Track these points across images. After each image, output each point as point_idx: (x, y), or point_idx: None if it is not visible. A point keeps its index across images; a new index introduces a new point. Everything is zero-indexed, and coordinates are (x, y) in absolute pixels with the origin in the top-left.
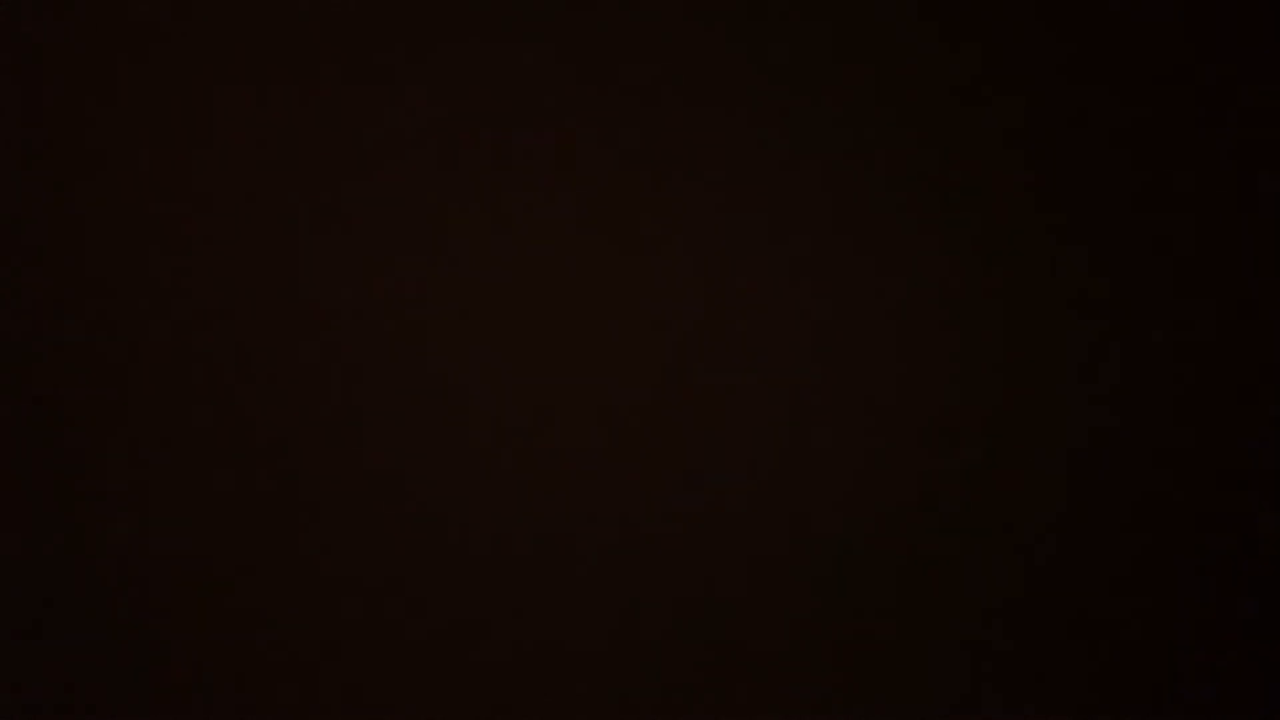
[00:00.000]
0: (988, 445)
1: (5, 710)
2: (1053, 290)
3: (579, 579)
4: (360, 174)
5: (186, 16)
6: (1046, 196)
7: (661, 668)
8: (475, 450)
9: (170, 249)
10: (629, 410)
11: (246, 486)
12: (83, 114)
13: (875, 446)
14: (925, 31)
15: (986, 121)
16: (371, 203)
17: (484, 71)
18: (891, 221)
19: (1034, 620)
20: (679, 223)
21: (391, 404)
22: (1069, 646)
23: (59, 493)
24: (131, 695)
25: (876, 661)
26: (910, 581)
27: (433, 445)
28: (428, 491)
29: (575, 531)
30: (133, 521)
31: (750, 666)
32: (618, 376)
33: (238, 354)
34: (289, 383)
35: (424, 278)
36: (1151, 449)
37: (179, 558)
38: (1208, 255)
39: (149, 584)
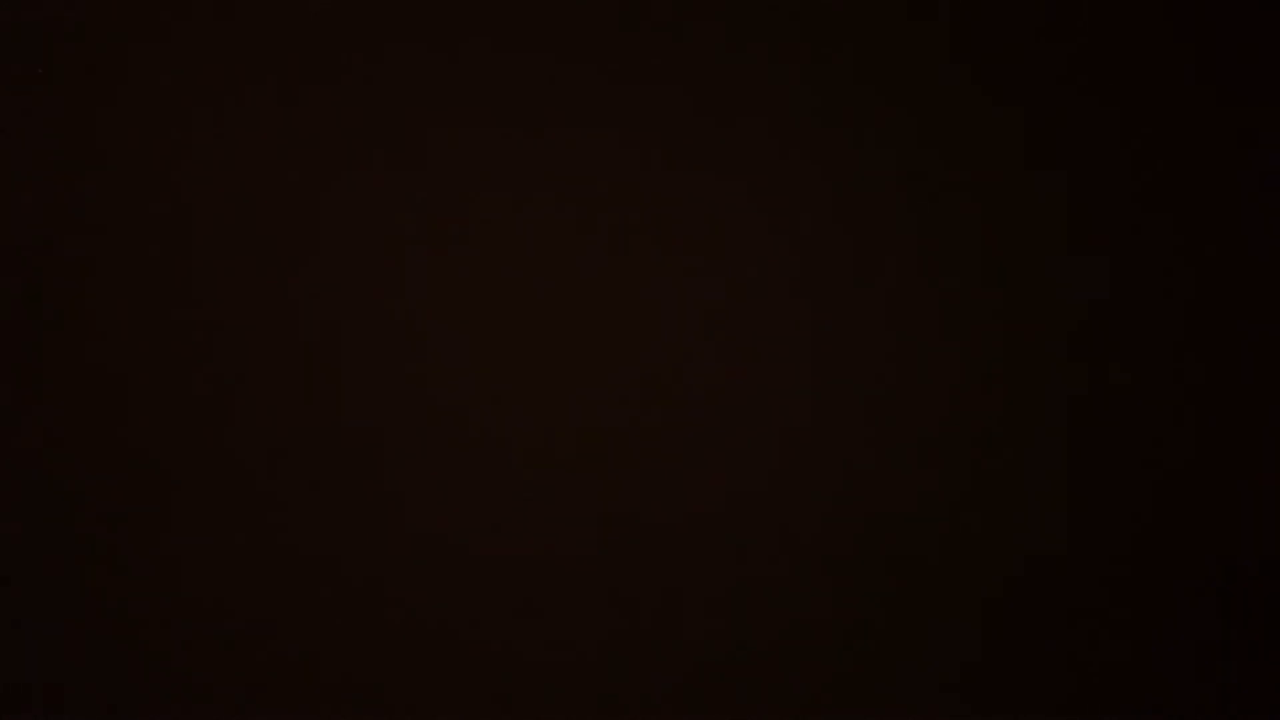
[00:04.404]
0: (987, 449)
1: (6, 710)
2: (1052, 294)
3: (573, 583)
4: (359, 177)
5: (187, 17)
6: (1046, 200)
7: (656, 670)
8: (472, 451)
9: (169, 252)
10: (624, 413)
11: (244, 489)
12: (82, 116)
13: (873, 450)
14: (927, 34)
15: (987, 125)
16: (372, 205)
17: (483, 74)
18: (891, 226)
19: (1033, 624)
20: (676, 226)
21: (389, 407)
22: (1068, 649)
23: (57, 494)
24: (128, 695)
25: (872, 665)
26: (907, 586)
27: (429, 447)
28: (425, 494)
29: (568, 534)
30: (129, 523)
31: (745, 669)
32: (613, 379)
33: (237, 356)
34: (287, 384)
35: (422, 280)
36: (1151, 454)
37: (176, 559)
38: (1209, 258)
39: (146, 586)
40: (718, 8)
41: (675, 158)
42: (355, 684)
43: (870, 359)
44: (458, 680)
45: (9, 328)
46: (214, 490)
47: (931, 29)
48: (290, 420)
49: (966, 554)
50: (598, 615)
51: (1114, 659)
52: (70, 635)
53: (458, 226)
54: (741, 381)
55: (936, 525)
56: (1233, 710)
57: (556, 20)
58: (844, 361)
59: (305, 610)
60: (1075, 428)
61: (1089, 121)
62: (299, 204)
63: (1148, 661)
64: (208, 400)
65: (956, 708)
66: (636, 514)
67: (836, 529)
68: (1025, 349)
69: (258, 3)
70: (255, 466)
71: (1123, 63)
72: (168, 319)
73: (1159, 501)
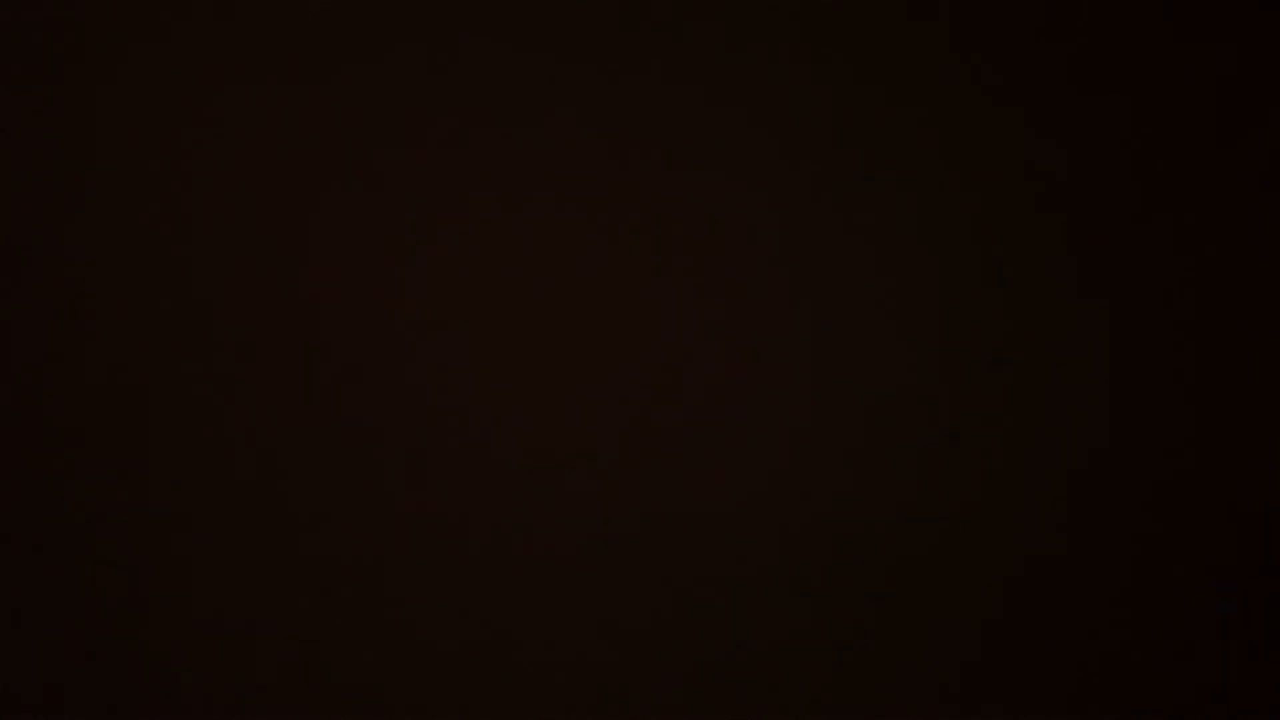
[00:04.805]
0: (987, 449)
1: (5, 709)
2: (1052, 294)
3: (573, 583)
4: (359, 177)
5: (187, 17)
6: (1046, 200)
7: (656, 670)
8: (472, 452)
9: (169, 252)
10: (624, 414)
11: (244, 489)
12: (82, 116)
13: (873, 450)
14: (927, 34)
15: (987, 125)
16: (373, 205)
17: (484, 73)
18: (891, 226)
19: (1033, 624)
20: (675, 224)
21: (389, 407)
22: (1068, 649)
23: (58, 495)
24: (128, 695)
25: (872, 665)
26: (907, 586)
27: (429, 447)
28: (425, 494)
29: (568, 535)
30: (130, 523)
31: (745, 670)
32: (614, 379)
33: (238, 355)
34: (287, 384)
35: (422, 280)
36: (1151, 454)
37: (176, 559)
38: (1209, 258)
39: (146, 586)
40: (718, 8)
41: (675, 158)
42: (355, 684)
43: (870, 359)
44: (458, 680)
45: (9, 328)
46: (214, 490)
47: (931, 29)
48: (290, 420)
49: (966, 554)
50: (598, 615)
51: (1114, 659)
52: (70, 635)
53: (458, 226)
54: (742, 382)
55: (937, 526)
56: (1233, 710)
57: (556, 20)
58: (844, 362)
59: (305, 610)
60: (1075, 428)
61: (1089, 121)
62: (299, 203)
63: (1148, 661)
64: (208, 400)
65: (956, 708)
66: (636, 515)
67: (837, 529)
68: (1025, 349)
69: (258, 3)
70: (255, 467)
71: (1123, 62)
72: (168, 319)
73: (1159, 501)
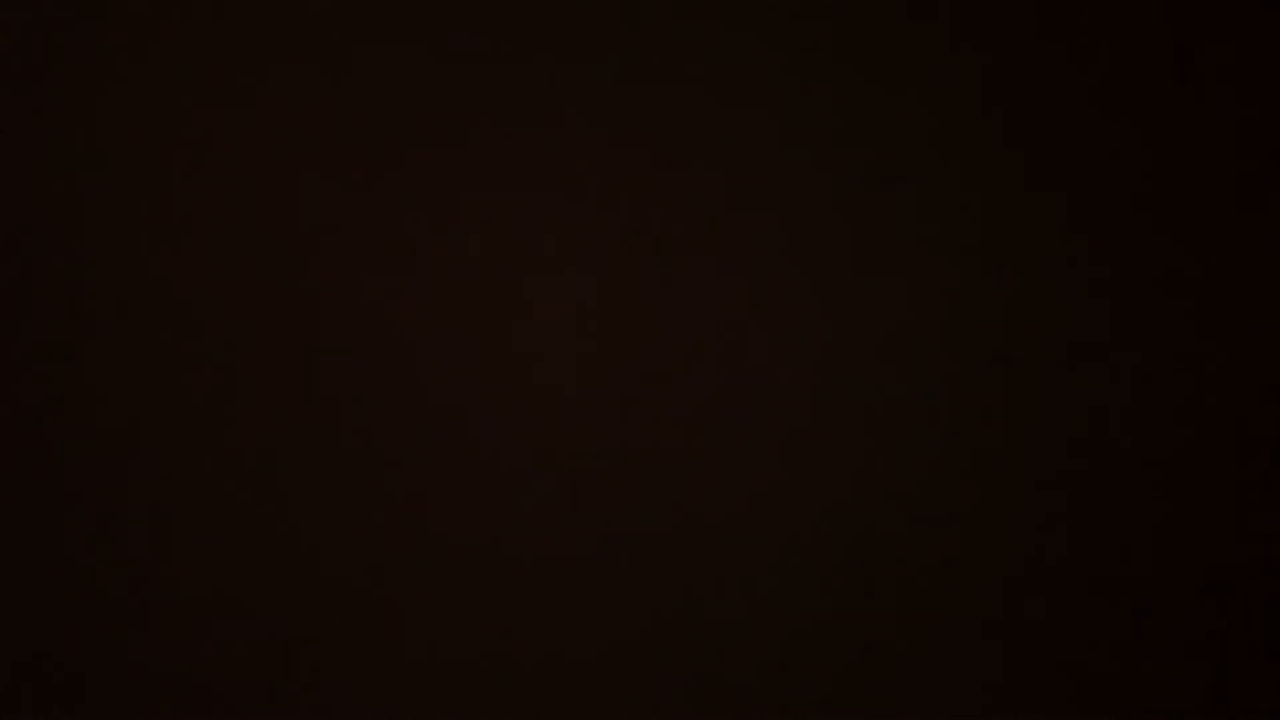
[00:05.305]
0: (985, 450)
1: (6, 710)
2: (1052, 295)
3: (574, 586)
4: (361, 176)
5: (187, 17)
6: (1046, 200)
7: (658, 673)
8: (472, 454)
9: (168, 252)
10: (626, 416)
11: (244, 491)
12: (83, 116)
13: (875, 452)
14: (927, 34)
15: (987, 126)
16: (374, 204)
17: (484, 73)
18: (892, 226)
19: (1033, 625)
20: (677, 224)
21: (389, 408)
22: (1068, 650)
23: (57, 494)
24: (129, 695)
25: (872, 666)
26: (908, 587)
27: (429, 449)
28: (425, 498)
29: (569, 537)
30: (130, 524)
31: (747, 672)
32: (614, 381)
33: (238, 355)
34: (287, 384)
35: (422, 280)
36: (1151, 454)
37: (176, 560)
38: (1209, 259)
39: (146, 586)
40: (718, 8)
41: (676, 158)
42: (355, 684)
43: (871, 360)
44: (458, 681)
45: (8, 328)
46: (213, 491)
47: (931, 29)
48: (290, 421)
49: (968, 555)
50: (599, 618)
51: (1114, 659)
52: (70, 635)
53: (458, 226)
54: (743, 383)
55: (938, 527)
56: (1233, 710)
57: (556, 20)
58: (845, 362)
59: (305, 612)
60: (1076, 428)
61: (1089, 123)
62: (299, 203)
63: (1148, 661)
64: (207, 400)
65: (958, 709)
66: (638, 517)
67: (838, 530)
68: (1025, 349)
69: (258, 3)
70: (255, 467)
71: (1123, 63)
72: (167, 318)
73: (1158, 502)
